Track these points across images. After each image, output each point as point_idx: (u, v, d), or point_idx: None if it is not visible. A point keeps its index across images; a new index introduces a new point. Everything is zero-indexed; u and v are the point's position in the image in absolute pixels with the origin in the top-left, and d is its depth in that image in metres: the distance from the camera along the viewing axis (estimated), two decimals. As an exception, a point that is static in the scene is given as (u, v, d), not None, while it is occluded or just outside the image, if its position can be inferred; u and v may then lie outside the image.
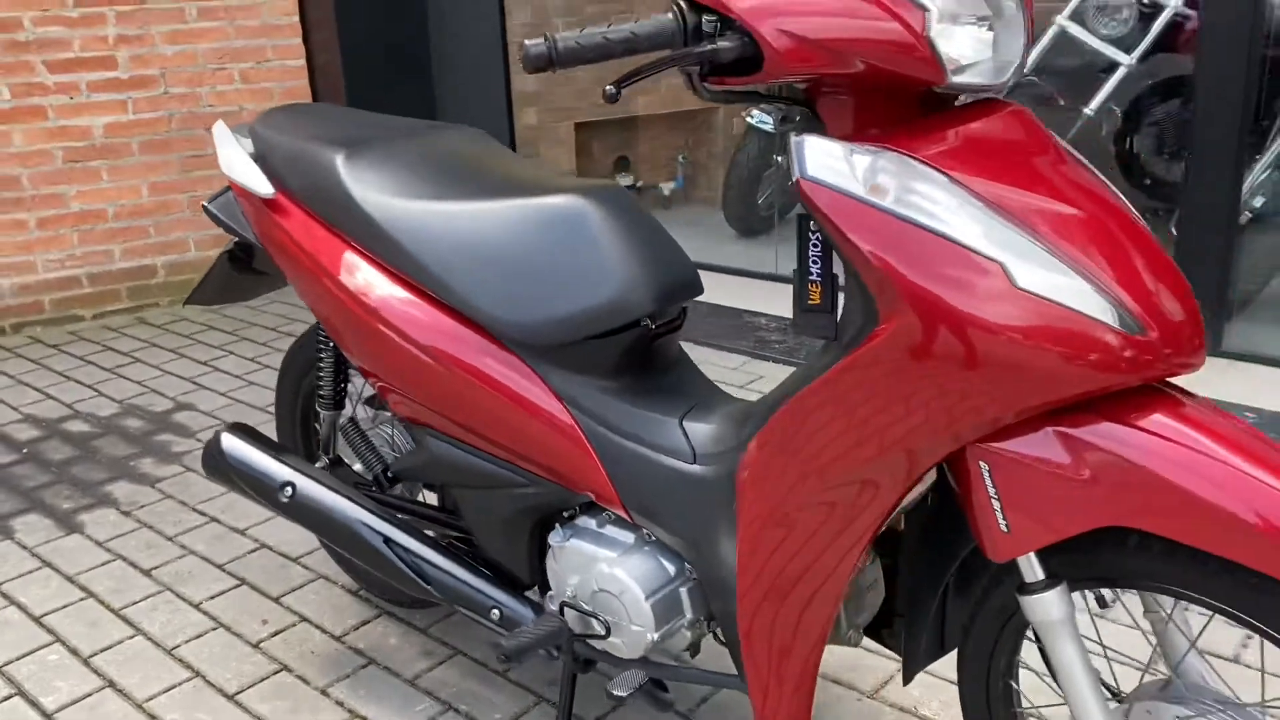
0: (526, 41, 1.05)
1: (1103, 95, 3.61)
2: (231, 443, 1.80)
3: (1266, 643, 1.05)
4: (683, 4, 1.08)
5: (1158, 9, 3.51)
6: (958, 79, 1.06)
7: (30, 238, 3.81)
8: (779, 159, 4.40)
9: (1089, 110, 3.64)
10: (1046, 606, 1.13)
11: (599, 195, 1.43)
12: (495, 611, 1.58)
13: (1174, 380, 1.10)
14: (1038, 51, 3.67)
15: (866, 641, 1.58)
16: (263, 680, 1.88)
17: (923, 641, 1.36)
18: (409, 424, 1.61)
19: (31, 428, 3.03)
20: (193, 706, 1.82)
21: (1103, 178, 1.12)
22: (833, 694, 1.78)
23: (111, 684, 1.89)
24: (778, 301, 3.72)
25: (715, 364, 3.23)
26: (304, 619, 2.06)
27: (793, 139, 1.10)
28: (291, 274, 1.68)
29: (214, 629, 2.04)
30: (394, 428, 1.83)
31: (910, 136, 1.08)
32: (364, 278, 1.55)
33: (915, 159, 1.05)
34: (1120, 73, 3.58)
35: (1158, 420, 1.03)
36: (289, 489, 1.73)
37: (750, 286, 3.89)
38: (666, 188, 5.10)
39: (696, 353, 3.32)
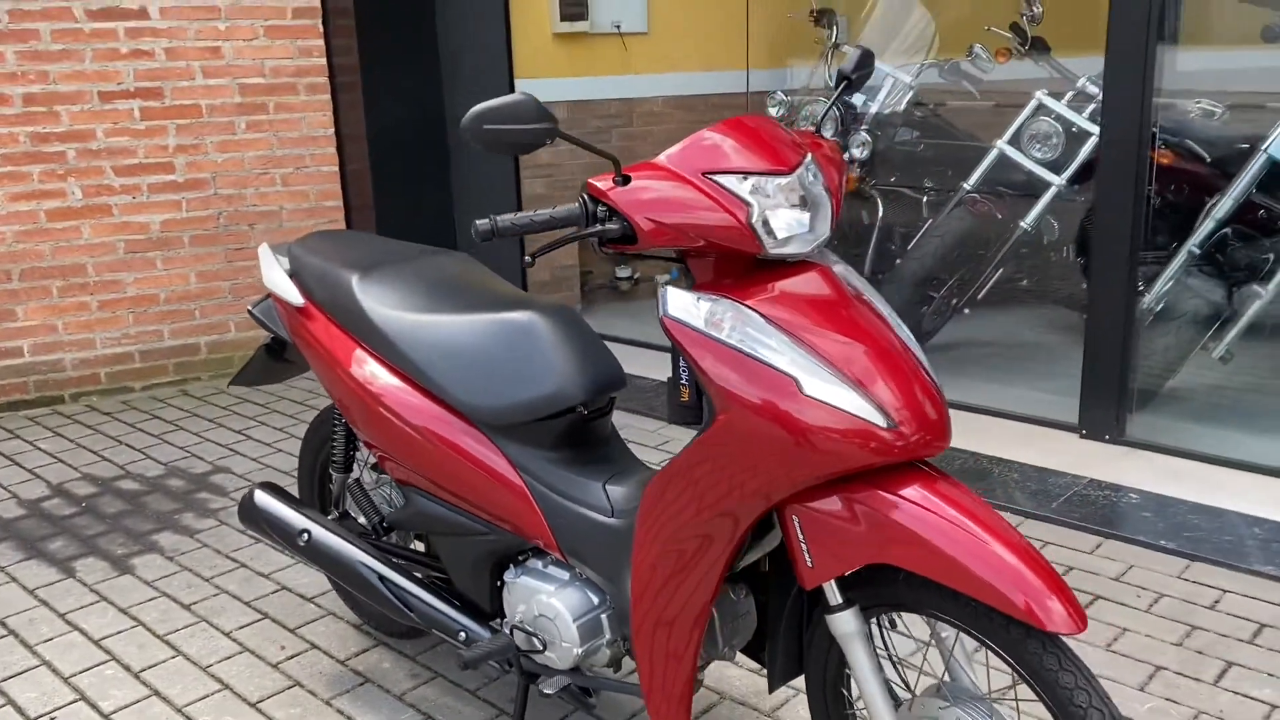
0: (477, 221, 1.53)
1: (1036, 211, 4.08)
2: (263, 498, 2.27)
3: (989, 648, 1.48)
4: (586, 197, 1.56)
5: (1084, 136, 3.99)
6: (776, 251, 1.52)
7: (91, 318, 4.34)
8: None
9: (1025, 224, 4.10)
10: (842, 623, 1.56)
11: (548, 311, 1.90)
12: (462, 634, 2.02)
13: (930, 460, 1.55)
14: (980, 171, 4.16)
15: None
16: (280, 693, 2.32)
17: (780, 660, 1.78)
18: (400, 485, 2.07)
19: (89, 485, 3.51)
20: (222, 711, 2.26)
21: (886, 314, 1.58)
22: (738, 712, 2.20)
23: (157, 693, 2.33)
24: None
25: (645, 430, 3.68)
26: (315, 646, 2.50)
27: (659, 289, 1.57)
28: (315, 365, 2.16)
29: (241, 652, 2.49)
30: (390, 488, 2.29)
31: (743, 287, 1.54)
32: (370, 370, 2.03)
33: (742, 304, 1.51)
34: (1051, 192, 4.06)
35: (912, 489, 1.48)
36: (306, 535, 2.19)
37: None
38: (663, 279, 5.60)
39: (646, 423, 3.77)
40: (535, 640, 1.90)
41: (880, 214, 4.86)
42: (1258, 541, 2.78)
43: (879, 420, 1.45)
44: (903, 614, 1.66)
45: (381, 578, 2.11)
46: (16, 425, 4.11)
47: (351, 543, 2.15)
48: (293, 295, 2.16)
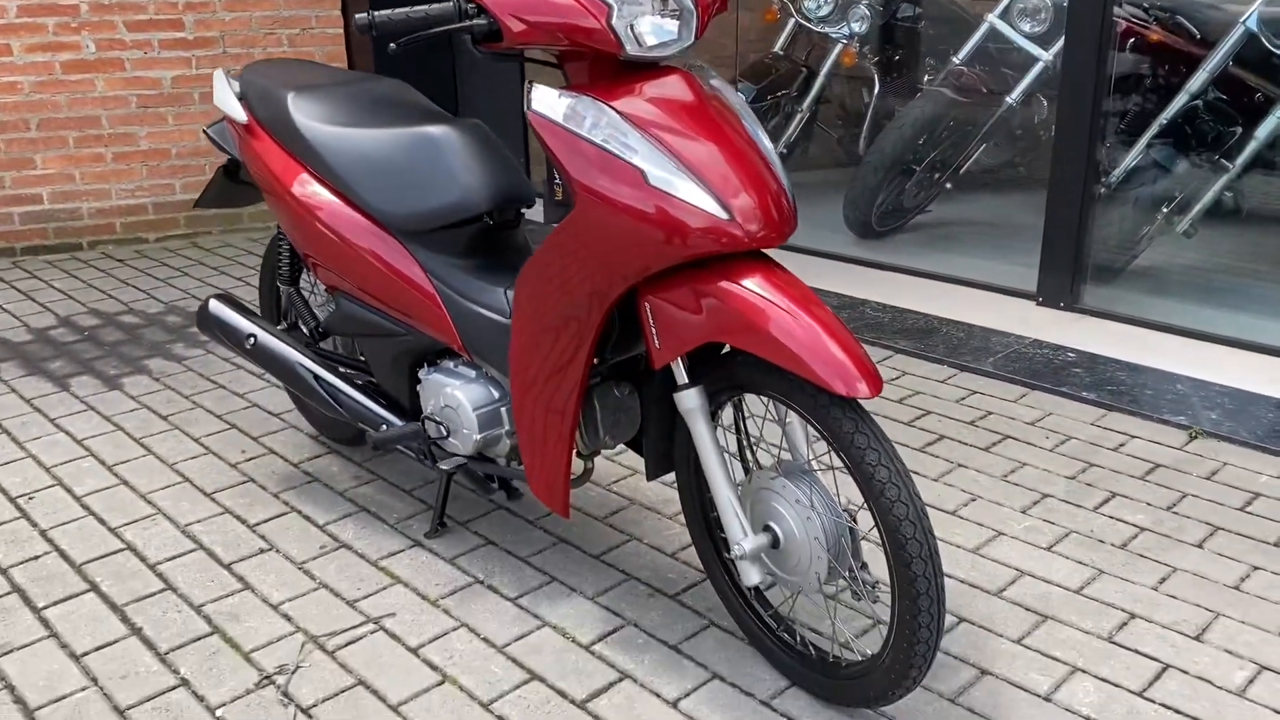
0: (356, 15, 1.67)
1: (1023, 86, 4.10)
2: (216, 306, 2.47)
3: (809, 417, 1.63)
4: None
5: (1073, 11, 3.98)
6: (636, 53, 1.64)
7: (106, 169, 4.55)
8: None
9: (1010, 99, 4.13)
10: (687, 400, 1.72)
11: (461, 126, 2.05)
12: (384, 425, 2.22)
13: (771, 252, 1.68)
14: (970, 45, 4.18)
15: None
16: (234, 486, 2.55)
17: (653, 448, 1.95)
18: (330, 290, 2.25)
19: (94, 318, 3.76)
20: (180, 498, 2.49)
21: (743, 119, 1.70)
22: (643, 515, 2.38)
23: (125, 482, 2.57)
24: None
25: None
26: (272, 451, 2.72)
27: (526, 86, 1.71)
28: (258, 180, 2.33)
29: (205, 454, 2.72)
30: (326, 296, 2.48)
31: (606, 88, 1.67)
32: (301, 181, 2.19)
33: (602, 102, 1.64)
34: (1038, 67, 4.07)
35: (748, 278, 1.62)
36: (252, 339, 2.39)
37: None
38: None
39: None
40: (441, 428, 2.09)
41: (877, 90, 4.89)
42: (1176, 395, 2.89)
43: (718, 212, 1.58)
44: (747, 395, 1.81)
45: (317, 377, 2.30)
46: (35, 267, 4.37)
47: (293, 347, 2.35)
48: (238, 113, 2.32)
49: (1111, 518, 2.35)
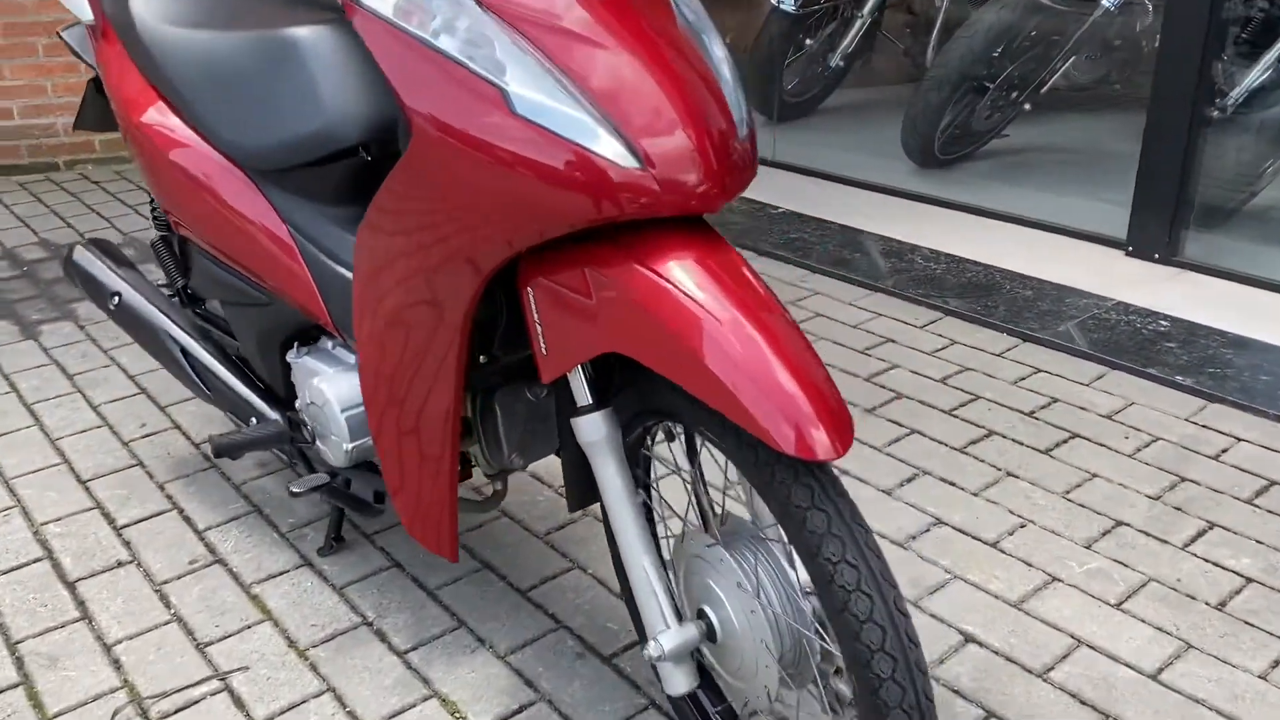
0: None
1: (1122, -13, 3.41)
2: (82, 255, 2.00)
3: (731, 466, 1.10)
4: None
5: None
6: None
7: (80, 81, 4.11)
8: (808, 42, 4.31)
9: (1107, 1, 3.44)
10: (585, 429, 1.20)
11: (326, 27, 1.52)
12: (253, 419, 1.74)
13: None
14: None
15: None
16: (116, 472, 2.11)
17: (573, 474, 1.44)
18: (184, 241, 1.76)
19: (40, 250, 3.34)
20: (48, 486, 2.06)
21: (690, 27, 1.15)
22: (513, 532, 1.88)
23: (-6, 462, 2.15)
24: (800, 197, 3.71)
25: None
26: (177, 426, 2.28)
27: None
28: (111, 98, 1.83)
29: (99, 426, 2.28)
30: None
31: None
32: (139, 99, 1.69)
33: (453, -10, 1.10)
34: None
35: (666, 260, 1.08)
36: (117, 298, 1.91)
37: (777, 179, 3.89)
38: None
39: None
40: (305, 431, 1.61)
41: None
42: (1299, 385, 2.28)
43: (623, 158, 1.05)
44: (676, 426, 1.28)
45: (184, 350, 1.83)
46: (3, 189, 3.97)
47: (162, 311, 1.87)
48: (84, 10, 1.81)
49: (1207, 561, 1.78)
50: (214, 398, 1.81)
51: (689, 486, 1.30)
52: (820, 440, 0.97)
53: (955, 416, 2.24)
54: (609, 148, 1.04)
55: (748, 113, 1.14)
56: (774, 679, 1.16)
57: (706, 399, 1.02)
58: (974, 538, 1.85)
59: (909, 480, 2.02)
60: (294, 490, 1.57)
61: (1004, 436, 2.16)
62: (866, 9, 4.21)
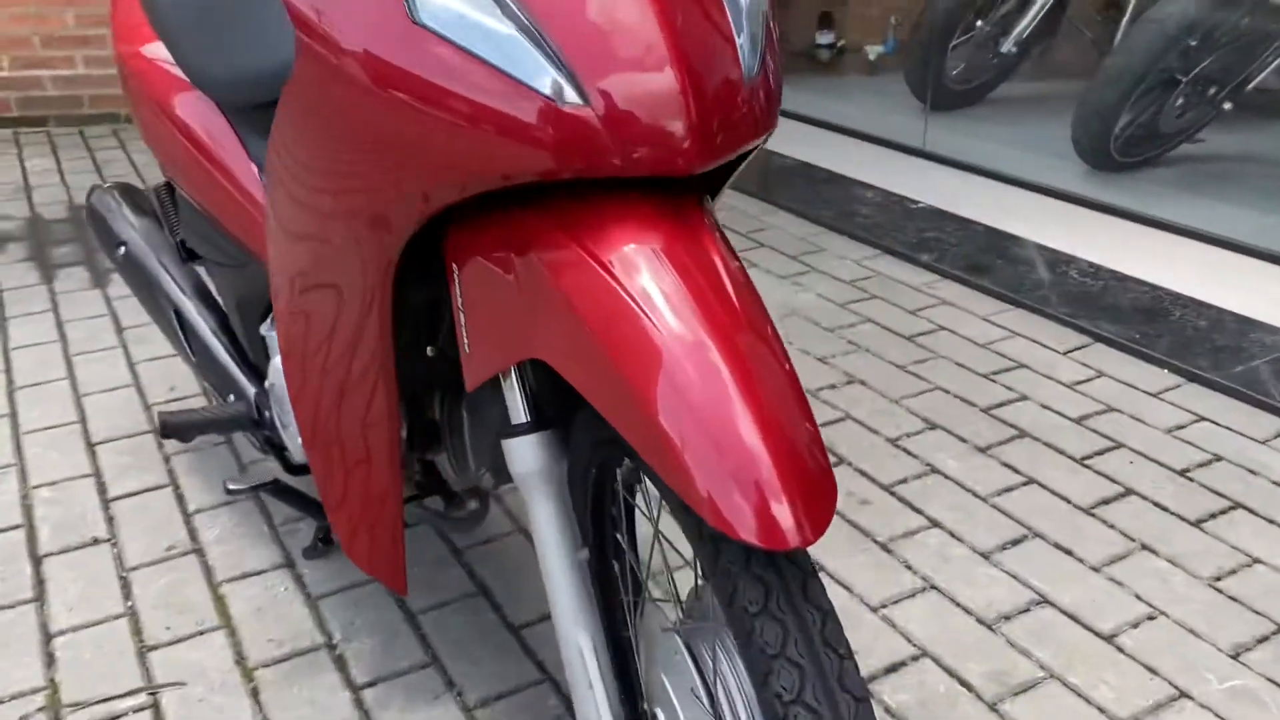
0: None
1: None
2: (100, 198, 1.83)
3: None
4: None
5: None
6: None
7: (69, 33, 3.98)
8: (979, 23, 3.86)
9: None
10: (518, 454, 0.90)
11: None
12: (232, 395, 1.52)
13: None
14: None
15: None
16: (126, 438, 1.94)
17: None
18: (169, 183, 1.56)
19: (143, 198, 3.26)
20: (55, 445, 1.91)
21: None
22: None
23: (14, 414, 2.01)
24: (946, 192, 3.31)
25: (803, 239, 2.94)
26: (206, 392, 2.10)
27: None
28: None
29: (128, 386, 2.13)
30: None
31: None
32: (130, 25, 1.49)
33: None
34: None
35: (620, 254, 0.78)
36: (123, 248, 1.73)
37: (922, 170, 3.50)
38: (873, 51, 4.65)
39: (795, 224, 3.05)
40: (269, 415, 1.37)
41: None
42: None
43: (555, 87, 0.75)
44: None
45: (178, 311, 1.63)
46: (97, 135, 3.96)
47: (164, 266, 1.68)
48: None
49: (1397, 695, 1.35)
50: (198, 368, 1.60)
51: (654, 543, 0.99)
52: (781, 520, 0.66)
53: (1087, 467, 1.84)
54: (541, 75, 0.75)
55: (764, 42, 0.82)
56: None
57: (636, 444, 0.71)
58: (1085, 626, 1.47)
59: (1014, 543, 1.65)
60: (231, 488, 1.34)
61: (1145, 498, 1.75)
62: (1049, -10, 3.74)
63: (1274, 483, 1.79)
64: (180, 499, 1.76)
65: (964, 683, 1.37)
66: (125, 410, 2.03)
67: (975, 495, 1.76)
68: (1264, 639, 1.45)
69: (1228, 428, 1.95)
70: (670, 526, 1.01)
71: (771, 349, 0.74)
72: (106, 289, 2.58)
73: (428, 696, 1.36)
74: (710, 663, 0.83)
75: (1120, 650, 1.43)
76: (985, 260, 2.66)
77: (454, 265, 0.89)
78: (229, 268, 1.45)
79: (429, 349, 1.07)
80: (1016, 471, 1.83)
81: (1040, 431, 1.94)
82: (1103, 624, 1.47)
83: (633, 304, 0.74)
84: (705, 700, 0.83)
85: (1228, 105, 3.14)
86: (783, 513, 0.65)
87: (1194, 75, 3.09)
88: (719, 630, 0.86)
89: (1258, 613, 1.49)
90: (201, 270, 1.68)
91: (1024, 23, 3.80)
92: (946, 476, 1.81)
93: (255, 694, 1.36)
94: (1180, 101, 3.16)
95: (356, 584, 1.56)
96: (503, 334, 0.84)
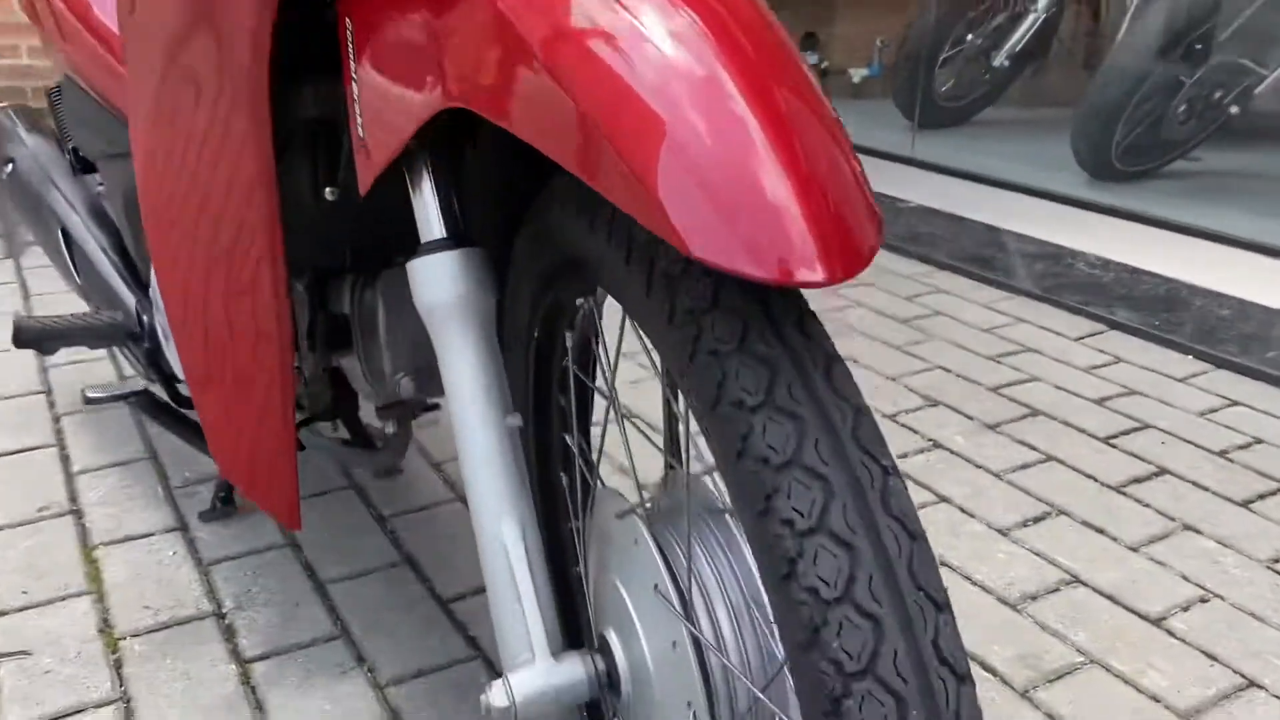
0: None
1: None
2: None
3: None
4: None
5: None
6: None
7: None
8: (969, 37, 3.72)
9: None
10: (429, 274, 0.67)
11: None
12: (120, 313, 1.28)
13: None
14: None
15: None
16: (19, 396, 1.69)
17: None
18: (70, 81, 1.33)
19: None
20: (-73, 403, 1.65)
21: None
22: (567, 535, 1.34)
23: (-112, 372, 1.76)
24: (940, 195, 3.13)
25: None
26: (113, 356, 1.86)
27: None
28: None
29: (28, 349, 1.87)
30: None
31: None
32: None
33: None
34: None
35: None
36: (10, 165, 1.50)
37: (913, 177, 3.32)
38: (858, 74, 4.51)
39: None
40: (147, 322, 1.13)
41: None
42: None
43: None
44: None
45: (65, 229, 1.39)
46: None
47: (53, 183, 1.44)
48: None
49: None
50: (83, 290, 1.36)
51: (610, 411, 0.75)
52: (797, 246, 0.43)
53: (1113, 446, 1.62)
54: None
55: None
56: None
57: (600, 181, 0.48)
58: (1127, 609, 1.23)
59: (1036, 520, 1.41)
60: (90, 396, 1.09)
61: (1182, 478, 1.53)
62: (1042, 2, 3.61)
63: (1325, 466, 1.57)
64: (66, 459, 1.51)
65: (988, 668, 1.13)
66: (29, 368, 1.78)
67: (987, 471, 1.53)
68: (1339, 625, 1.22)
69: (1265, 412, 1.74)
70: (638, 399, 0.76)
71: (796, 73, 0.51)
72: (20, 258, 2.34)
73: (332, 671, 1.10)
74: (684, 560, 0.60)
75: (1171, 634, 1.19)
76: (984, 253, 2.46)
77: (346, 21, 0.66)
78: (118, 161, 1.22)
79: (328, 190, 0.84)
80: (1033, 449, 1.60)
81: (1057, 411, 1.72)
82: (1148, 606, 1.24)
83: (592, 11, 0.51)
84: (675, 602, 0.59)
85: (1234, 109, 2.98)
86: (799, 238, 0.43)
87: (1195, 78, 2.94)
88: (697, 517, 0.62)
89: (1328, 597, 1.27)
90: (93, 183, 1.45)
91: (1017, 35, 3.67)
92: (953, 452, 1.58)
93: (118, 666, 1.10)
94: (1183, 107, 3.00)
95: (259, 549, 1.31)
96: (407, 92, 0.61)
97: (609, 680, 0.67)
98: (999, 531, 1.38)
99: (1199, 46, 2.92)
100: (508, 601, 0.66)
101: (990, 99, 3.85)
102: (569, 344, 0.74)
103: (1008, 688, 1.10)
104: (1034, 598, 1.25)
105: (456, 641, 1.15)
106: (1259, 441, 1.64)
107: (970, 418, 1.70)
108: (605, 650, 0.67)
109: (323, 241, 0.91)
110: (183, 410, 1.18)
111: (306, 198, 0.84)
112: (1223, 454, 1.60)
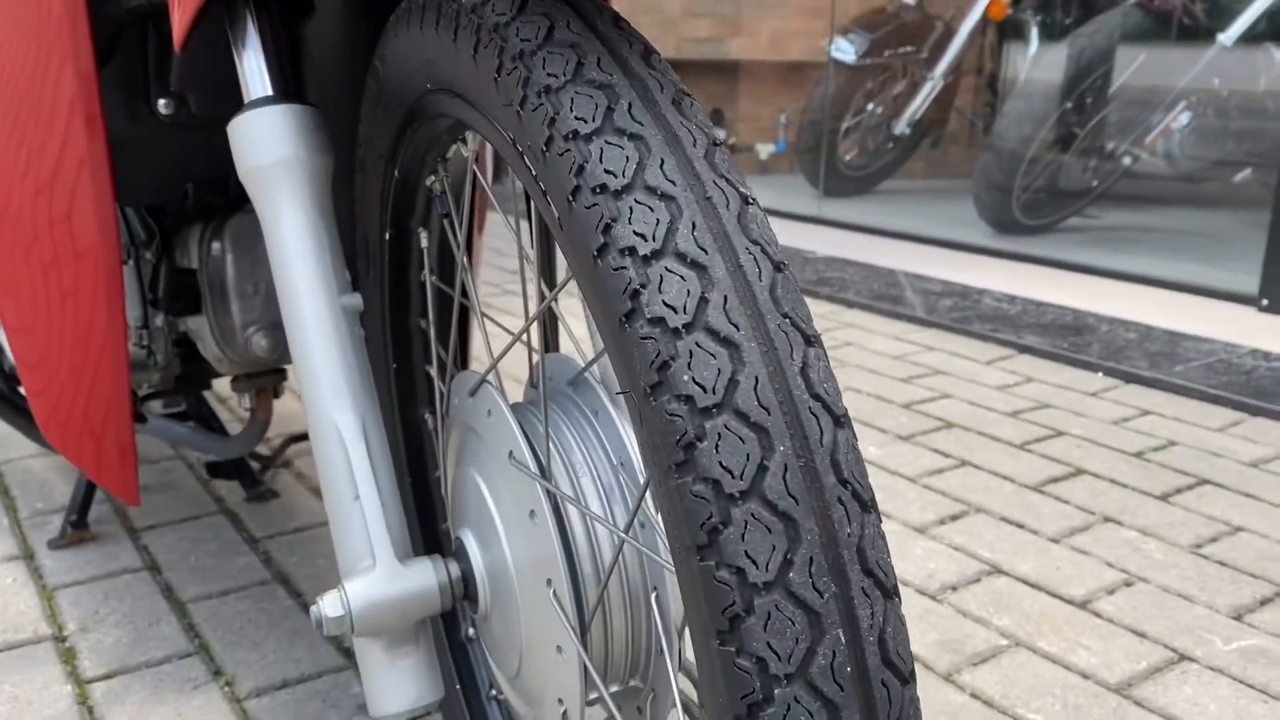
0: None
1: (1243, 21, 2.84)
2: None
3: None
4: None
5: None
6: None
7: None
8: (869, 105, 3.80)
9: (1224, 40, 2.87)
10: (253, 129, 0.59)
11: None
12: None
13: None
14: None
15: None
16: None
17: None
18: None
19: None
20: None
21: None
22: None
23: None
24: (846, 246, 3.13)
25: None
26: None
27: None
28: None
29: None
30: None
31: None
32: None
33: None
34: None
35: None
36: None
37: (819, 235, 3.32)
38: (765, 150, 4.57)
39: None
40: None
41: (1033, 52, 3.68)
42: None
43: None
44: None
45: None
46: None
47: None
48: None
49: None
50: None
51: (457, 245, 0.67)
52: None
53: (1029, 451, 1.57)
54: None
55: None
56: (575, 685, 0.51)
57: None
58: (1051, 594, 1.17)
59: (954, 517, 1.35)
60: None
61: (1099, 477, 1.48)
62: (938, 70, 3.71)
63: (1242, 463, 1.54)
64: (-98, 497, 1.37)
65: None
66: None
67: (902, 476, 1.47)
68: (1268, 600, 1.16)
69: (1177, 419, 1.72)
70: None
71: None
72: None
73: (183, 687, 0.98)
74: (540, 425, 0.52)
75: (1098, 615, 1.13)
76: (892, 292, 2.45)
77: None
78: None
79: (161, 102, 0.76)
80: (947, 456, 1.55)
81: (970, 423, 1.68)
82: (1072, 591, 1.17)
83: None
84: (531, 464, 0.51)
85: (1128, 159, 3.06)
86: None
87: (1092, 126, 3.01)
88: (564, 396, 0.54)
89: (1255, 575, 1.21)
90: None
91: (916, 102, 3.75)
92: (867, 461, 1.52)
93: (-68, 694, 0.97)
94: (1079, 158, 3.07)
95: (114, 573, 1.18)
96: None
97: (465, 590, 0.58)
98: (916, 530, 1.32)
99: (1090, 99, 3.01)
100: (345, 502, 0.57)
101: (895, 166, 3.92)
102: (423, 239, 0.67)
103: (930, 672, 1.02)
104: (954, 588, 1.18)
105: (327, 651, 1.04)
106: (1174, 444, 1.61)
107: (883, 430, 1.64)
108: (461, 556, 0.58)
109: (159, 171, 0.83)
110: (13, 384, 1.07)
111: (138, 112, 0.76)
112: (1139, 455, 1.56)
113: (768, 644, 0.35)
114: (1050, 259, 2.75)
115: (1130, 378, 1.88)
